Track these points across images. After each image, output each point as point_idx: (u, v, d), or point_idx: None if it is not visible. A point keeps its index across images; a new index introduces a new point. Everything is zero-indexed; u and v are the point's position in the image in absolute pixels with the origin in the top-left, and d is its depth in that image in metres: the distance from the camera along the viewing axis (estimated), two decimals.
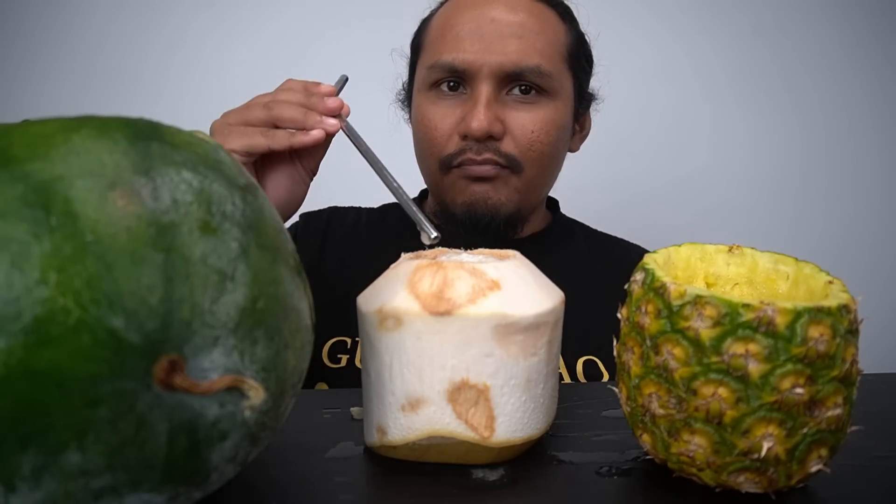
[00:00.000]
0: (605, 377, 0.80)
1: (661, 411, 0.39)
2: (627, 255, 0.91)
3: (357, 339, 0.79)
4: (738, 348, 0.36)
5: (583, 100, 0.91)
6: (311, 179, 0.73)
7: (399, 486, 0.41)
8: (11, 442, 0.27)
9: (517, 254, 0.47)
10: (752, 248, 0.45)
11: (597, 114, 0.97)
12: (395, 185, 0.63)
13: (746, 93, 1.35)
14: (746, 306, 0.36)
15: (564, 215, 1.00)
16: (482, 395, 0.41)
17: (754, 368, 0.35)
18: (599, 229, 0.98)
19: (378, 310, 0.42)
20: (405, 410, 0.42)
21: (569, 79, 0.86)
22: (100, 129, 0.31)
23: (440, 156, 0.84)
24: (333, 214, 0.97)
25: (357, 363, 0.78)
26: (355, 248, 0.91)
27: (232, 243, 0.32)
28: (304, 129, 0.64)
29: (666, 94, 1.21)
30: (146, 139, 0.32)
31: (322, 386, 0.79)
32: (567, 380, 0.78)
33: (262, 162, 0.70)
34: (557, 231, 0.95)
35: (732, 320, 0.36)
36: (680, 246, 0.45)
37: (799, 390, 0.35)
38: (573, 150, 0.94)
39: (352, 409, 0.51)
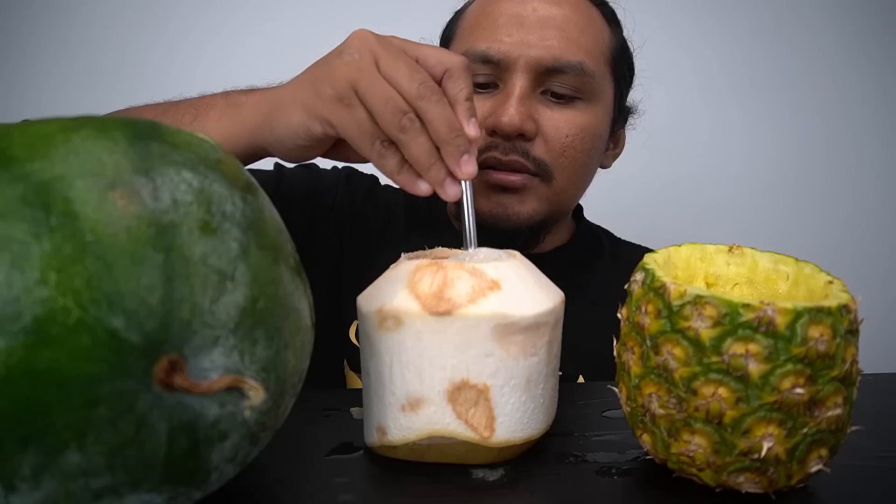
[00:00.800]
0: None
1: (661, 411, 0.39)
2: None
3: None
4: (738, 348, 0.36)
5: (621, 112, 0.84)
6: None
7: (399, 486, 0.41)
8: (11, 442, 0.27)
9: (517, 254, 0.47)
10: (752, 248, 0.45)
11: (632, 130, 0.89)
12: (469, 198, 0.51)
13: (746, 93, 1.35)
14: (746, 306, 0.36)
15: (589, 224, 0.92)
16: (482, 395, 0.41)
17: (754, 368, 0.35)
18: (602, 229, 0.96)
19: (378, 310, 0.42)
20: (405, 410, 0.42)
21: (610, 84, 0.79)
22: (100, 129, 0.31)
23: None
24: (374, 188, 0.89)
25: None
26: (391, 231, 0.84)
27: (232, 243, 0.32)
28: (421, 176, 0.50)
29: (665, 94, 1.21)
30: (146, 139, 0.32)
31: (345, 366, 0.77)
32: None
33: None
34: (582, 244, 0.88)
35: (732, 320, 0.36)
36: (680, 246, 0.45)
37: (799, 390, 0.35)
38: (605, 166, 0.86)
39: (352, 409, 0.51)
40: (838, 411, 0.37)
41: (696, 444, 0.38)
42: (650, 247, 0.83)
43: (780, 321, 0.35)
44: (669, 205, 1.33)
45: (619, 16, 0.84)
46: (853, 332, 0.37)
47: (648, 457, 0.43)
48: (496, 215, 0.74)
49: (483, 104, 0.73)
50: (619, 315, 0.43)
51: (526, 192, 0.74)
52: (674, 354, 0.37)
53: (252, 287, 0.32)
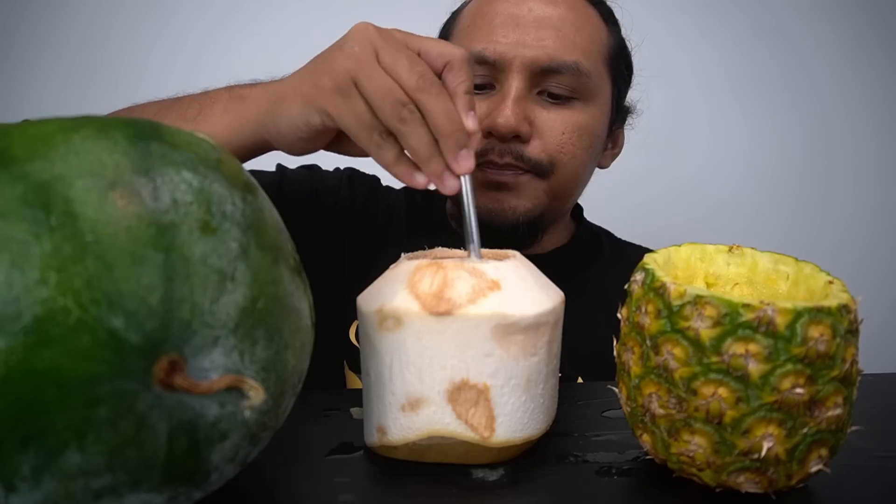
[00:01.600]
0: None
1: (661, 411, 0.39)
2: None
3: None
4: (738, 348, 0.36)
5: (619, 112, 0.83)
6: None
7: (399, 486, 0.41)
8: (11, 442, 0.27)
9: (517, 254, 0.47)
10: (752, 248, 0.45)
11: (630, 129, 0.90)
12: (469, 195, 0.50)
13: (746, 93, 1.35)
14: (746, 306, 0.36)
15: (590, 224, 0.92)
16: (482, 395, 0.41)
17: (754, 368, 0.35)
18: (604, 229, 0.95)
19: (378, 310, 0.42)
20: (405, 410, 0.42)
21: (607, 83, 0.79)
22: (100, 129, 0.31)
23: None
24: (375, 189, 0.88)
25: None
26: (393, 230, 0.84)
27: (232, 243, 0.32)
28: (418, 169, 0.50)
29: (665, 95, 1.21)
30: (146, 139, 0.32)
31: (345, 366, 0.77)
32: None
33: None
34: (582, 245, 0.87)
35: (732, 320, 0.36)
36: (680, 246, 0.45)
37: (799, 390, 0.35)
38: (603, 166, 0.86)
39: (352, 409, 0.51)
40: (838, 411, 0.37)
41: (696, 444, 0.38)
42: (650, 247, 0.83)
43: (780, 321, 0.35)
44: (669, 205, 1.33)
45: (617, 14, 0.83)
46: (853, 332, 0.37)
47: (648, 457, 0.43)
48: (493, 210, 0.74)
49: (479, 105, 0.73)
50: (619, 315, 0.43)
51: (522, 188, 0.74)
52: (674, 354, 0.37)
53: (252, 287, 0.32)
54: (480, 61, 0.73)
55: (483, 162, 0.73)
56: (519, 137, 0.72)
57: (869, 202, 1.37)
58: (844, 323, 0.36)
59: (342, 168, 0.89)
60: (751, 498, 0.39)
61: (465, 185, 0.49)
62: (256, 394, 0.31)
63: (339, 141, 0.58)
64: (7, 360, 0.26)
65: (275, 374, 0.33)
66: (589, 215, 0.93)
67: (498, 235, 0.73)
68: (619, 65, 0.81)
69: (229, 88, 0.64)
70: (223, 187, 0.33)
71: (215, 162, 0.34)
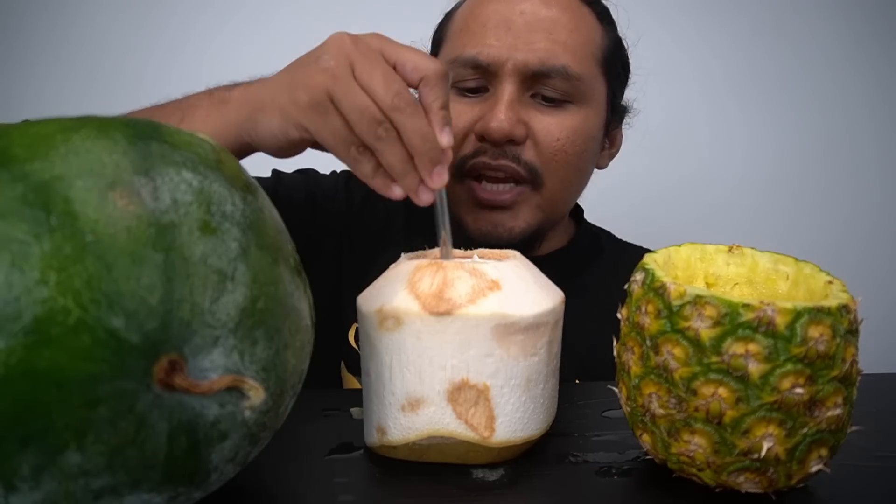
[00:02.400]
0: None
1: (661, 411, 0.39)
2: None
3: None
4: (738, 348, 0.36)
5: (615, 111, 0.83)
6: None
7: (399, 486, 0.41)
8: (11, 442, 0.27)
9: (517, 254, 0.47)
10: (752, 248, 0.45)
11: (629, 128, 0.88)
12: (443, 203, 0.52)
13: (745, 93, 1.34)
14: (746, 306, 0.36)
15: (590, 225, 0.91)
16: (482, 395, 0.41)
17: (754, 368, 0.35)
18: (602, 227, 0.95)
19: (378, 310, 0.42)
20: (405, 410, 0.42)
21: (602, 85, 0.78)
22: (100, 129, 0.31)
23: (455, 156, 0.69)
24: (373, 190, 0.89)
25: None
26: (389, 236, 0.83)
27: (232, 243, 0.32)
28: (395, 181, 0.50)
29: (665, 95, 1.21)
30: (146, 139, 0.32)
31: (342, 368, 0.77)
32: None
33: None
34: (581, 247, 0.87)
35: (732, 320, 0.36)
36: (680, 246, 0.45)
37: (799, 390, 0.35)
38: (601, 166, 0.85)
39: (352, 409, 0.51)
40: (838, 411, 0.37)
41: (695, 444, 0.38)
42: (650, 248, 0.83)
43: (780, 321, 0.35)
44: (668, 205, 1.33)
45: (614, 14, 0.83)
46: (853, 332, 0.37)
47: (648, 457, 0.43)
48: (488, 233, 0.74)
49: (473, 109, 0.73)
50: (619, 315, 0.43)
51: (517, 207, 0.74)
52: (674, 354, 0.37)
53: (252, 287, 0.32)
54: (473, 65, 0.73)
55: (476, 166, 0.73)
56: (513, 141, 0.72)
57: (868, 202, 1.37)
58: (844, 323, 0.36)
59: (339, 171, 0.89)
60: (751, 498, 0.39)
61: (440, 196, 0.50)
62: (256, 394, 0.31)
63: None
64: (7, 360, 0.26)
65: (275, 374, 0.33)
66: (588, 215, 0.92)
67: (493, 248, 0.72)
68: (615, 65, 0.80)
69: (209, 93, 0.64)
70: (223, 187, 0.33)
71: (215, 162, 0.34)
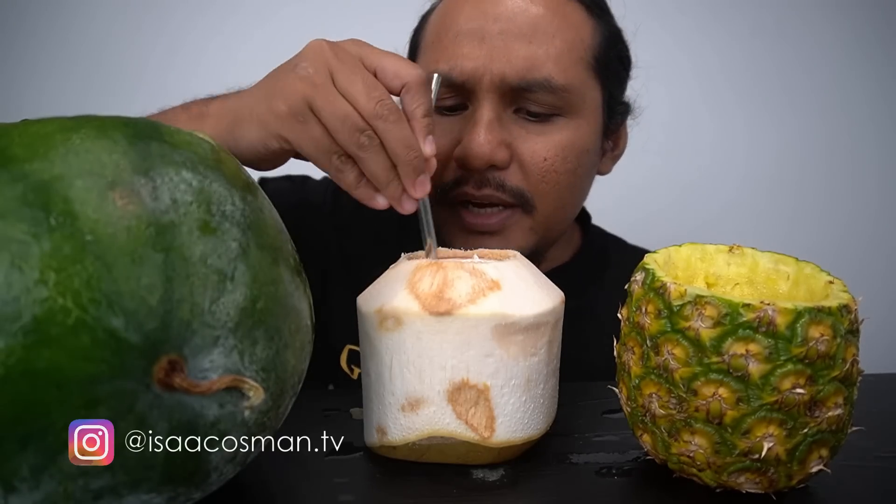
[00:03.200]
0: None
1: (661, 411, 0.39)
2: None
3: None
4: (739, 348, 0.36)
5: (615, 112, 0.75)
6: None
7: (399, 486, 0.41)
8: (11, 442, 0.27)
9: (517, 254, 0.47)
10: (753, 248, 0.45)
11: (635, 126, 0.82)
12: (427, 210, 0.51)
13: (746, 93, 1.34)
14: (747, 306, 0.36)
15: (596, 234, 0.84)
16: (482, 396, 0.41)
17: (755, 368, 0.35)
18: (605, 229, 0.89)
19: (378, 310, 0.42)
20: (405, 410, 0.41)
21: (595, 89, 0.70)
22: (99, 129, 0.31)
23: (435, 185, 0.61)
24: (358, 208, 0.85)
25: None
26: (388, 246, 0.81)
27: (232, 243, 0.32)
28: (379, 191, 0.49)
29: (665, 95, 1.21)
30: (146, 139, 0.32)
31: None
32: None
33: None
34: (587, 260, 0.80)
35: (733, 320, 0.36)
36: (680, 246, 0.45)
37: (799, 390, 0.35)
38: (603, 172, 0.78)
39: (352, 409, 0.51)
40: (839, 411, 0.37)
41: (696, 445, 0.38)
42: (650, 248, 0.82)
43: (781, 321, 0.35)
44: (670, 205, 1.33)
45: (614, 12, 0.78)
46: (853, 332, 0.37)
47: (648, 457, 0.43)
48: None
49: (452, 127, 0.67)
50: (619, 315, 0.43)
51: (507, 231, 0.68)
52: (674, 354, 0.37)
53: (252, 287, 0.32)
54: (447, 84, 0.66)
55: (459, 197, 0.67)
56: (495, 166, 0.66)
57: (869, 202, 1.37)
58: (845, 323, 0.36)
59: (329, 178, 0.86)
60: (751, 498, 0.39)
61: (423, 203, 0.50)
62: (256, 394, 0.31)
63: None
64: (7, 360, 0.26)
65: (275, 374, 0.33)
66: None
67: None
68: (610, 63, 0.73)
69: (185, 107, 0.61)
70: (223, 187, 0.33)
71: (215, 162, 0.34)
